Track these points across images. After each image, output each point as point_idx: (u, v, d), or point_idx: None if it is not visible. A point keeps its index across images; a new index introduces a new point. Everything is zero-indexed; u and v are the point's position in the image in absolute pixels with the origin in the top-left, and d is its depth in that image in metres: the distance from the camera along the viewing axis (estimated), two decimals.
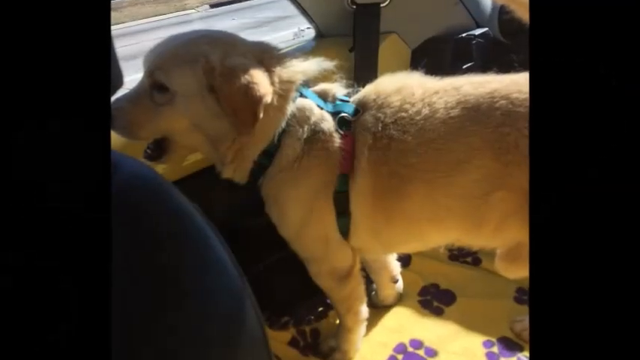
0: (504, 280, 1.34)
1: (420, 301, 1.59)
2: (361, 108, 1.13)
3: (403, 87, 1.12)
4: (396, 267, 1.56)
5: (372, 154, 1.09)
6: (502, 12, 1.79)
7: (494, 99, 1.03)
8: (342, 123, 1.12)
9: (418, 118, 1.06)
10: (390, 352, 1.41)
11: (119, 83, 0.54)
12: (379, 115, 1.10)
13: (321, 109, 1.14)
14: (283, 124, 1.09)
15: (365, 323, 1.38)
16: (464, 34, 1.82)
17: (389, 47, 1.70)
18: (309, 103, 1.13)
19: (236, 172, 1.15)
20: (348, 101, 1.16)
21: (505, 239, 1.11)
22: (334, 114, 1.13)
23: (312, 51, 1.60)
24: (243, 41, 1.12)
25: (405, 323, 1.51)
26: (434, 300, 1.58)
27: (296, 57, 1.14)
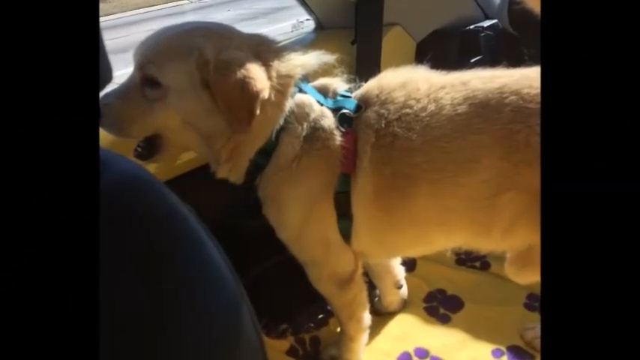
0: (514, 285, 1.34)
1: (425, 308, 1.59)
2: (363, 104, 1.13)
3: (408, 82, 1.12)
4: (400, 272, 1.56)
5: (375, 153, 1.08)
6: (512, 3, 1.80)
7: (503, 94, 1.03)
8: (343, 120, 1.11)
9: (423, 114, 1.06)
10: None
11: (108, 78, 0.54)
12: (382, 111, 1.10)
13: (321, 105, 1.14)
14: (281, 121, 1.09)
15: (367, 331, 1.38)
16: (472, 26, 1.82)
17: (393, 40, 1.70)
18: (308, 98, 1.13)
19: (232, 171, 1.15)
20: (349, 97, 1.16)
21: (515, 242, 1.11)
22: (335, 110, 1.13)
23: (312, 44, 1.60)
24: (239, 34, 1.12)
25: (409, 331, 1.51)
26: (440, 306, 1.59)
27: (295, 50, 1.14)
